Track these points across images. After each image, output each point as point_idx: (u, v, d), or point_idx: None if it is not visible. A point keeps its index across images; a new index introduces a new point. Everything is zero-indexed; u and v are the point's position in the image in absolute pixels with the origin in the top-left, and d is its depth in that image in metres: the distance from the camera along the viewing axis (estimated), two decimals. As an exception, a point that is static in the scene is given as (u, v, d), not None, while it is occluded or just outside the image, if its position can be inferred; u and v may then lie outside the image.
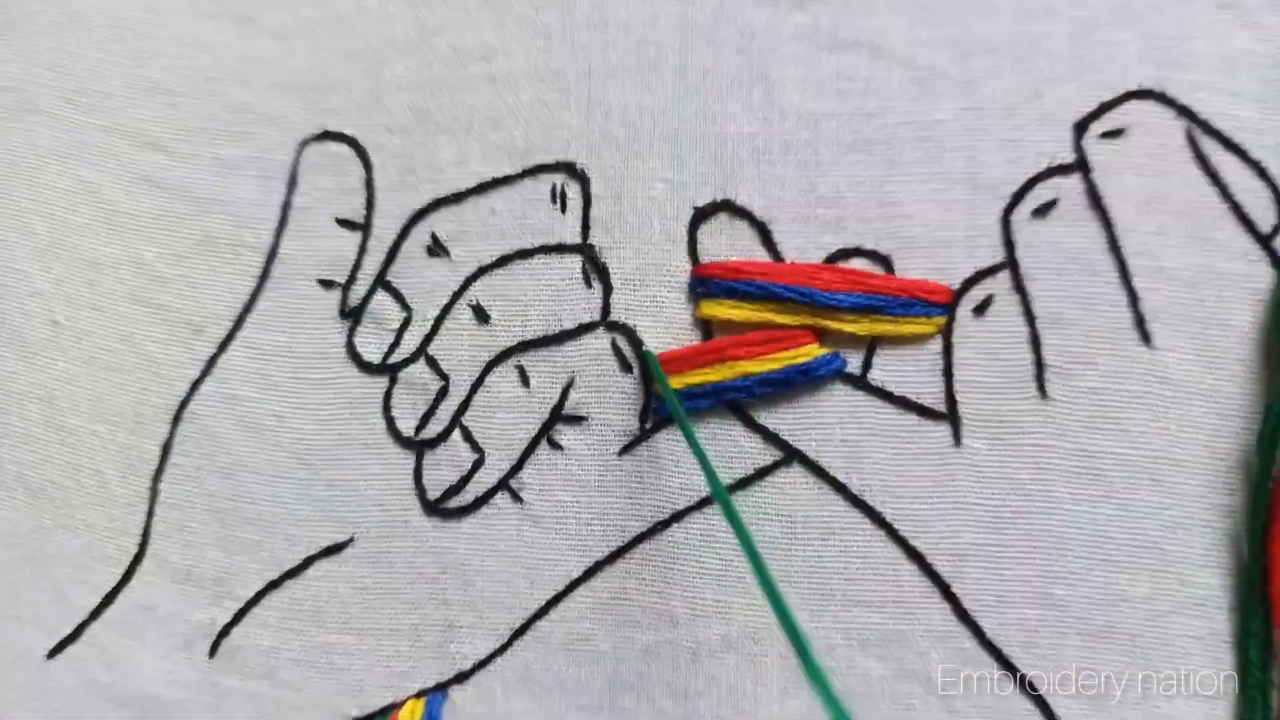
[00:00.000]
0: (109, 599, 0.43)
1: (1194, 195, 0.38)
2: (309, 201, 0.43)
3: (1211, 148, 0.38)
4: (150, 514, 0.43)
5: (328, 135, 0.43)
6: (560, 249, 0.41)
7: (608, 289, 0.41)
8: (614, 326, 0.40)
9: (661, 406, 0.40)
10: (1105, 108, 0.39)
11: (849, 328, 0.39)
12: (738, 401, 0.39)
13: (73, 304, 0.44)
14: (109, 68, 0.45)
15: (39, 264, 0.45)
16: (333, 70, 0.44)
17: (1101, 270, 0.38)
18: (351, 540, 0.42)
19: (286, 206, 0.43)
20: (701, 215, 0.40)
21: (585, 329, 0.41)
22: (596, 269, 0.41)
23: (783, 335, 0.39)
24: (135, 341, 0.44)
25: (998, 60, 0.39)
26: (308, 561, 0.42)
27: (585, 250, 0.41)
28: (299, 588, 0.42)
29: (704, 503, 0.39)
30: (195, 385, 0.43)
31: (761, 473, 0.39)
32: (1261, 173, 0.38)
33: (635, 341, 0.40)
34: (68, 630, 0.44)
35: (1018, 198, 0.39)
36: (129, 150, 0.45)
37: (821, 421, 0.39)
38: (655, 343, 0.40)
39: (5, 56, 0.46)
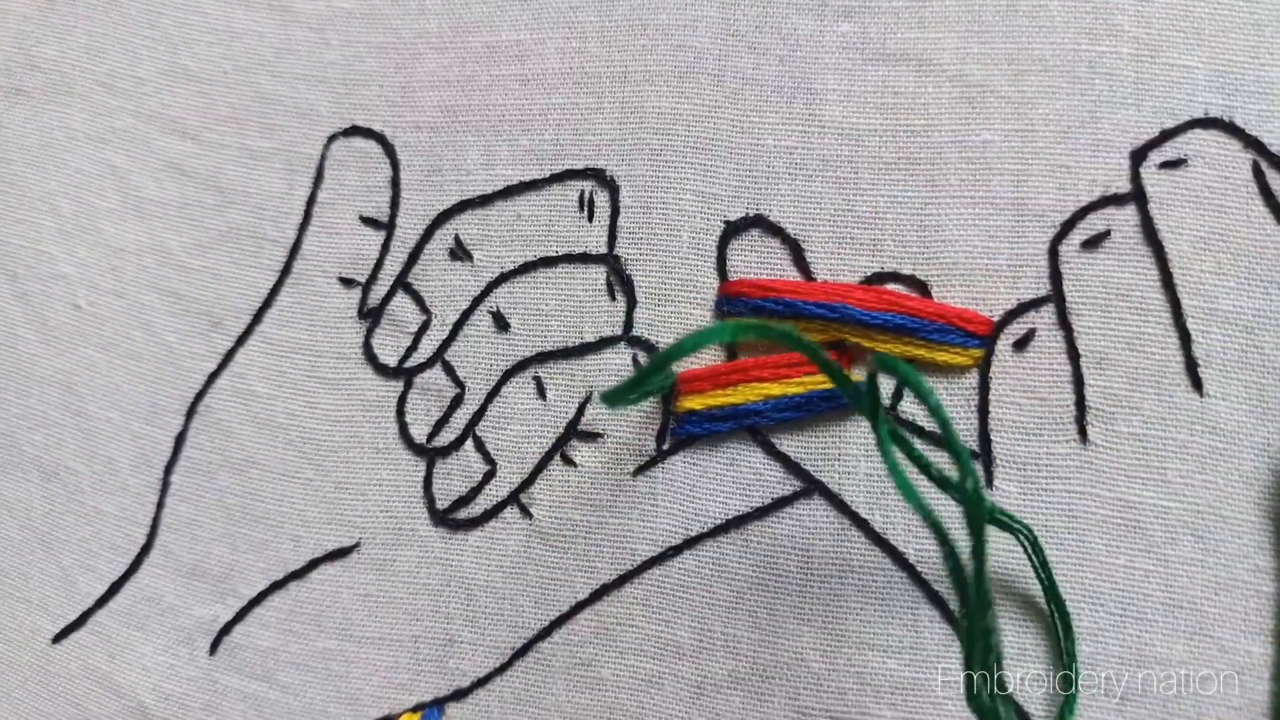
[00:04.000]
0: (115, 588, 0.43)
1: (1257, 233, 0.36)
2: (333, 197, 0.42)
3: (1279, 183, 0.36)
4: (160, 505, 0.43)
5: (356, 130, 0.42)
6: (585, 259, 0.40)
7: (632, 303, 0.39)
8: (636, 342, 0.39)
9: (681, 428, 0.38)
10: (1166, 135, 0.36)
11: (880, 347, 0.37)
12: (758, 426, 0.38)
13: (95, 289, 0.44)
14: (144, 53, 0.45)
15: (64, 247, 0.45)
16: (365, 63, 0.43)
17: (1152, 309, 0.36)
18: (357, 545, 0.41)
19: (311, 201, 0.43)
20: (732, 230, 0.39)
21: (606, 343, 0.39)
22: (621, 281, 0.39)
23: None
24: (155, 330, 0.43)
25: (1053, 80, 0.37)
26: (312, 564, 0.41)
27: (611, 261, 0.39)
28: (302, 590, 0.41)
29: (718, 530, 0.38)
30: (211, 378, 0.43)
31: (780, 503, 0.38)
32: (1332, 213, 0.35)
33: (657, 358, 0.39)
34: (73, 616, 0.43)
35: (1067, 227, 0.37)
36: (159, 137, 0.44)
37: (846, 453, 0.38)
38: (678, 361, 0.38)
39: (42, 38, 0.46)
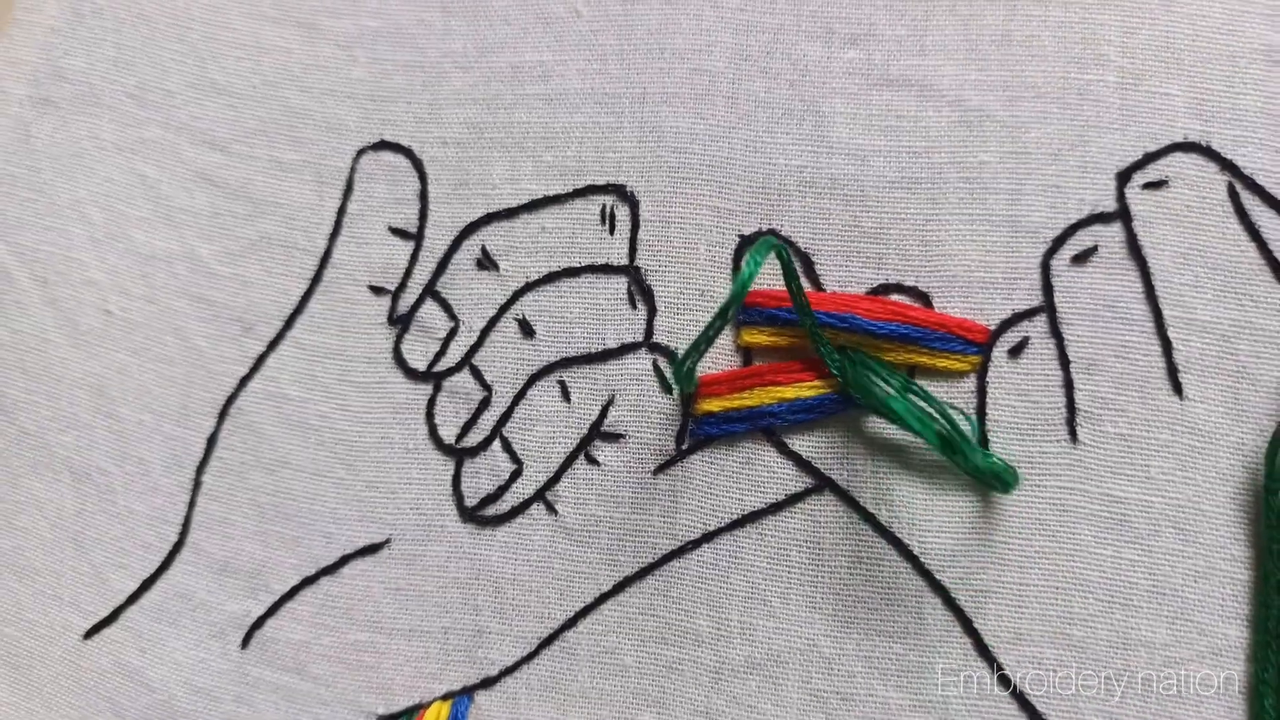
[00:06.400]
0: (147, 585, 0.44)
1: (1232, 249, 0.39)
2: (363, 209, 0.44)
3: (1252, 203, 0.39)
4: (192, 504, 0.44)
5: (385, 145, 0.44)
6: (607, 269, 0.42)
7: (652, 311, 0.41)
8: (656, 348, 0.41)
9: (699, 429, 0.40)
10: (1149, 158, 0.39)
11: (886, 355, 0.40)
12: (772, 427, 0.40)
13: (126, 295, 0.45)
14: (172, 66, 0.46)
15: (95, 254, 0.46)
16: (392, 81, 0.45)
17: (1137, 319, 0.39)
18: (388, 541, 0.43)
19: (341, 212, 0.44)
20: (747, 244, 0.41)
21: (628, 349, 0.42)
22: (642, 291, 0.42)
23: (821, 364, 0.40)
24: (186, 335, 0.45)
25: (1045, 106, 0.40)
26: (344, 560, 0.43)
27: (632, 272, 0.42)
28: (333, 585, 0.43)
29: (734, 525, 0.40)
30: (243, 382, 0.44)
31: (793, 499, 0.40)
32: (1300, 230, 0.38)
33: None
34: (105, 613, 0.45)
35: (1058, 243, 0.39)
36: (188, 148, 0.46)
37: (854, 452, 0.40)
38: (697, 367, 0.41)
39: (71, 49, 0.47)
